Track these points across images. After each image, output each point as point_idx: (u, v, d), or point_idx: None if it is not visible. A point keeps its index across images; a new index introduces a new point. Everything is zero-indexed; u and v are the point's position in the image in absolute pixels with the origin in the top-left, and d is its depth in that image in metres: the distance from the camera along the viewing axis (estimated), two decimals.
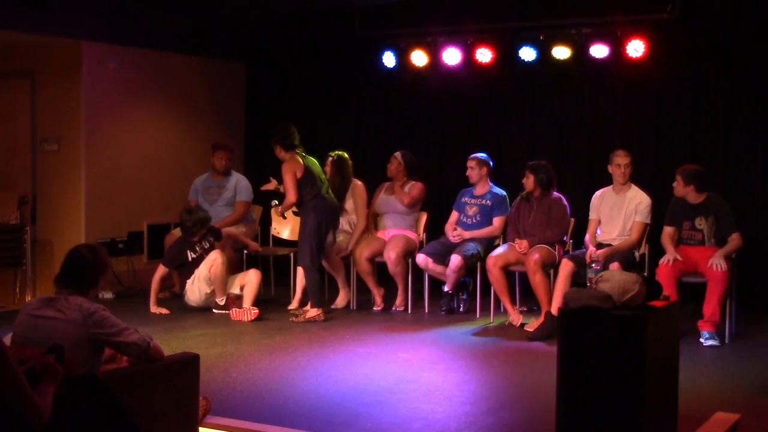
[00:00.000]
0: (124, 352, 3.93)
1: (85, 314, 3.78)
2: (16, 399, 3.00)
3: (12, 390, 2.99)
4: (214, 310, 8.10)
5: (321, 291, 8.00)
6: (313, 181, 7.91)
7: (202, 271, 8.07)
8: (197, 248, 8.22)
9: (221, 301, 8.11)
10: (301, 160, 7.91)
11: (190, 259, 8.18)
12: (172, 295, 8.86)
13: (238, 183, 8.99)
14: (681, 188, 7.28)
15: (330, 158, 8.55)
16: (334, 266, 8.41)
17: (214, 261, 8.05)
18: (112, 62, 9.08)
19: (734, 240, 7.13)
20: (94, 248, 4.07)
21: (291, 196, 7.87)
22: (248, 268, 8.49)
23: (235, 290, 8.17)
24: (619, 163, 7.57)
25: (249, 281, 8.10)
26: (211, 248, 8.22)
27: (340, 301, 8.46)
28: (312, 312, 7.82)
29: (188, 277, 8.15)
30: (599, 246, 7.45)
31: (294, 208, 8.06)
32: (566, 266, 7.28)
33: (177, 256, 8.22)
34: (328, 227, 8.04)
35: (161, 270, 8.20)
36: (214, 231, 8.30)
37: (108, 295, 8.72)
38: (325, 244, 8.03)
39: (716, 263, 6.93)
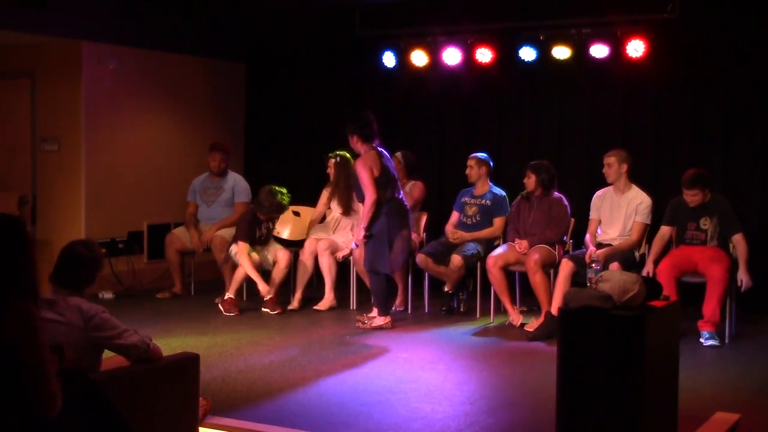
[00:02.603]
0: (125, 355, 3.90)
1: (85, 318, 3.73)
2: (39, 382, 2.97)
3: (38, 372, 2.97)
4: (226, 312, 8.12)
5: (387, 298, 7.52)
6: (388, 182, 7.27)
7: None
8: (263, 228, 8.35)
9: (223, 296, 8.17)
10: (378, 158, 7.28)
11: (257, 236, 8.29)
12: (173, 296, 8.88)
13: (237, 184, 8.98)
14: (690, 197, 7.17)
15: (333, 159, 8.47)
16: (328, 267, 8.33)
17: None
18: (112, 62, 9.08)
19: (741, 244, 7.10)
20: (88, 243, 4.03)
21: (371, 193, 7.15)
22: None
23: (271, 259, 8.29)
24: (603, 162, 7.60)
25: (279, 265, 8.21)
26: (270, 232, 8.44)
27: (323, 304, 8.30)
28: (378, 320, 7.48)
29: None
30: (599, 246, 7.45)
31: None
32: (566, 266, 7.28)
33: (250, 232, 8.24)
34: (401, 230, 7.39)
35: (244, 247, 8.12)
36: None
37: (108, 295, 8.72)
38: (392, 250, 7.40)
39: (745, 282, 6.98)
